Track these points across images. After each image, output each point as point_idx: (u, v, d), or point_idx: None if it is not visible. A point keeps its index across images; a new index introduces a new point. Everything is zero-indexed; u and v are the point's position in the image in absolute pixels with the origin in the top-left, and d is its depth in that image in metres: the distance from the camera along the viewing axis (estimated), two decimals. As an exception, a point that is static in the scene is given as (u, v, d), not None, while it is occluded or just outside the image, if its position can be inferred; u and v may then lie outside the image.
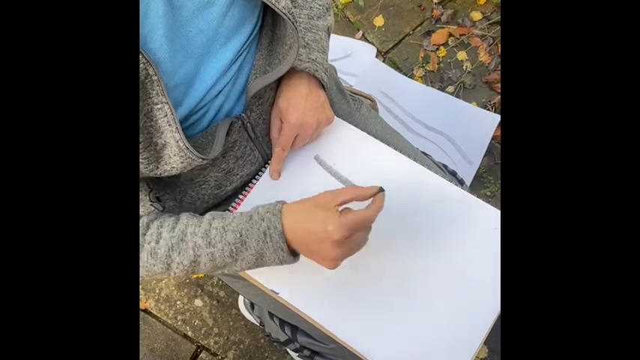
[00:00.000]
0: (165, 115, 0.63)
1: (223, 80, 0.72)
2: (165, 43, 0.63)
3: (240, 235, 0.66)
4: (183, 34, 0.65)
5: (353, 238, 0.64)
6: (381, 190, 0.67)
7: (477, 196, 0.80)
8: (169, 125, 0.64)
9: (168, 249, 0.67)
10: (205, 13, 0.66)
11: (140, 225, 0.68)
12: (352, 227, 0.63)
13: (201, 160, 0.68)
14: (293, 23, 0.68)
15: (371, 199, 0.67)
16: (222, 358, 1.31)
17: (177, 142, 0.65)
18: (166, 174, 0.70)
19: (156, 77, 0.61)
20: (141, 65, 0.59)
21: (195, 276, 1.37)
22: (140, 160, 0.66)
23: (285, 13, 0.67)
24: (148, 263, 0.67)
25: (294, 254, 0.68)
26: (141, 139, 0.64)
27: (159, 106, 0.63)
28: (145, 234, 0.68)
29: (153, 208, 0.80)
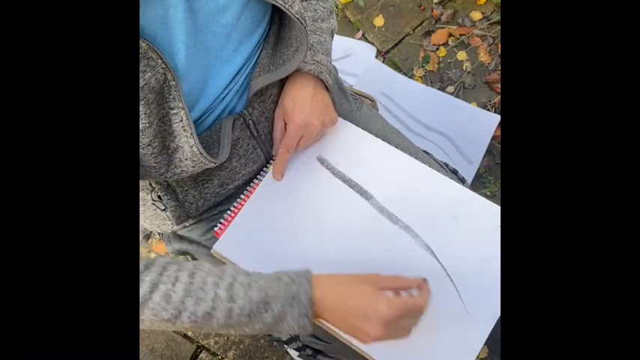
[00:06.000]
0: (181, 120, 0.63)
1: (233, 83, 0.73)
2: (184, 49, 0.63)
3: (266, 295, 0.61)
4: (198, 39, 0.65)
5: (400, 323, 0.62)
6: (425, 280, 0.66)
7: (478, 196, 0.80)
8: (184, 130, 0.64)
9: (185, 294, 0.59)
10: (220, 18, 0.66)
11: (157, 264, 0.62)
12: (404, 309, 0.62)
13: (212, 164, 0.68)
14: (304, 27, 0.68)
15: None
16: (222, 358, 1.31)
17: (192, 147, 0.65)
18: (175, 177, 0.70)
19: (174, 82, 0.61)
20: (160, 70, 0.59)
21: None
22: (152, 165, 0.66)
23: (297, 18, 0.68)
24: (158, 306, 0.59)
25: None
26: (155, 144, 0.64)
27: (175, 111, 0.63)
28: (161, 274, 0.60)
29: (154, 207, 0.80)
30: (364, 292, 0.62)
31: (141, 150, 0.64)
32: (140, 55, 0.57)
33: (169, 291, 0.59)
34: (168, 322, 0.60)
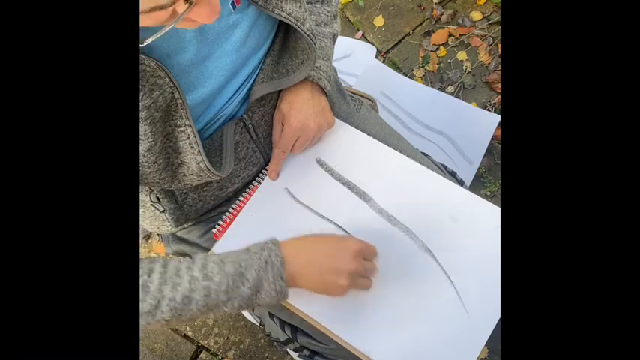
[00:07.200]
0: (188, 138, 0.64)
1: (237, 93, 0.73)
2: (192, 66, 0.64)
3: (240, 266, 0.63)
4: (208, 56, 0.66)
5: (366, 263, 0.68)
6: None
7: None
8: (191, 147, 0.64)
9: (161, 282, 0.61)
10: (229, 36, 0.66)
11: None
12: (366, 246, 0.68)
13: (218, 177, 0.68)
14: (314, 44, 0.69)
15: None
16: (222, 358, 1.31)
17: (199, 163, 0.66)
18: (177, 188, 0.70)
19: (180, 100, 0.62)
20: (167, 89, 0.60)
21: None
22: (156, 181, 0.67)
23: (309, 35, 0.69)
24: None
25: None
26: (160, 161, 0.64)
27: (182, 129, 0.63)
28: None
29: (154, 209, 0.80)
30: (331, 238, 0.69)
31: (146, 169, 0.64)
32: (148, 74, 0.58)
33: (146, 282, 0.60)
34: (149, 316, 0.60)
